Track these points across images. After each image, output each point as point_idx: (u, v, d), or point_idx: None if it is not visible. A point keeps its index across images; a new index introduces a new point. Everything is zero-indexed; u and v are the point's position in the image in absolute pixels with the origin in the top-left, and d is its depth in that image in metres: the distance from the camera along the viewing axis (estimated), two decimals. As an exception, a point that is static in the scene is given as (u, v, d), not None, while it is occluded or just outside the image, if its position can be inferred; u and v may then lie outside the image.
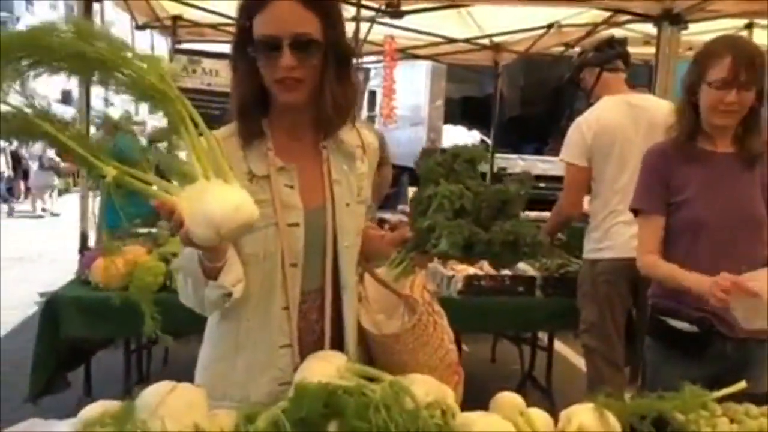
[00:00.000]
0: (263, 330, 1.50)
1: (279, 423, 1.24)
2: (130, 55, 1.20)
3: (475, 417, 1.32)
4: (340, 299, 1.55)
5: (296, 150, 1.52)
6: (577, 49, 5.54)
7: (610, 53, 3.19)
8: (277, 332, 1.50)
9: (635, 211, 2.30)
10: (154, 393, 1.31)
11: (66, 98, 22.77)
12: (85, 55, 1.16)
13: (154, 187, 1.22)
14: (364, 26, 5.19)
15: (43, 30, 1.17)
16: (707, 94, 2.07)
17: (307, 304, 1.52)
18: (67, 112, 14.64)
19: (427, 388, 1.36)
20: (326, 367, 1.40)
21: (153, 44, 6.55)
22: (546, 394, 3.97)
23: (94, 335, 2.88)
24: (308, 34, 1.39)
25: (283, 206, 1.46)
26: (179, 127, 1.23)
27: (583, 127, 3.10)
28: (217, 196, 1.19)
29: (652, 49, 4.81)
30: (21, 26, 30.60)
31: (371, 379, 1.38)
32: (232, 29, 5.21)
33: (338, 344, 1.55)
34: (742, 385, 1.57)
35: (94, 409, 1.38)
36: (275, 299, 1.49)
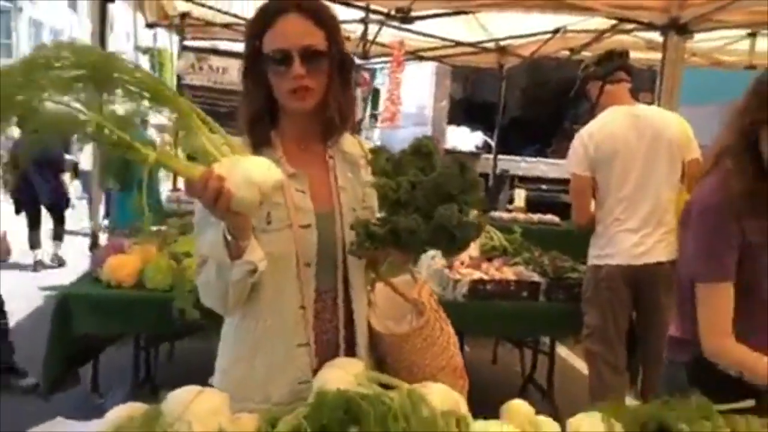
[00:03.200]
0: (281, 329, 1.55)
1: (300, 429, 1.29)
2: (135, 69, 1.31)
3: (489, 426, 1.37)
4: (351, 300, 1.62)
5: (305, 159, 1.60)
6: (585, 54, 5.61)
7: (611, 66, 3.24)
8: (293, 331, 1.55)
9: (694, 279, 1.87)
10: (179, 397, 1.36)
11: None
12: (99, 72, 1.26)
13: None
14: (372, 29, 5.24)
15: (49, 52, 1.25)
16: None
17: (321, 303, 1.58)
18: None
19: (442, 397, 1.41)
20: (344, 375, 1.45)
21: (156, 40, 6.61)
22: (547, 397, 4.02)
23: (105, 332, 2.93)
24: (315, 45, 1.49)
25: (296, 209, 1.54)
26: (188, 121, 1.32)
27: (585, 138, 3.17)
28: (248, 161, 1.31)
29: (655, 54, 4.88)
30: (24, 16, 30.49)
31: (387, 387, 1.44)
32: (240, 27, 5.28)
33: (351, 343, 1.62)
34: (751, 402, 1.61)
35: (120, 412, 1.43)
36: (291, 298, 1.55)
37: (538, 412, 1.48)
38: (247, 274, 1.43)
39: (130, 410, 1.42)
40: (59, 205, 7.85)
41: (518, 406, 1.51)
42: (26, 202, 7.50)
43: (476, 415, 1.40)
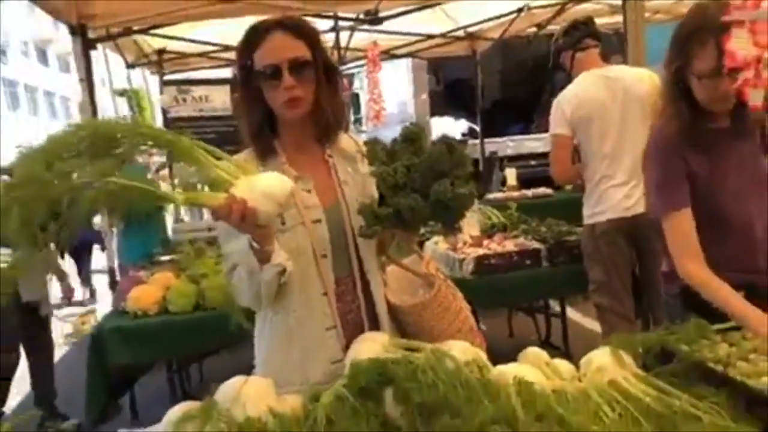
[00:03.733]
0: (310, 316, 1.71)
1: (342, 396, 1.44)
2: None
3: (507, 368, 1.52)
4: (368, 282, 1.78)
5: (306, 162, 1.76)
6: (551, 27, 5.78)
7: (577, 35, 3.41)
8: (321, 316, 1.71)
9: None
10: (230, 387, 1.51)
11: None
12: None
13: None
14: (344, 35, 5.40)
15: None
16: (698, 86, 1.91)
17: (341, 288, 1.74)
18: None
19: (462, 351, 1.57)
20: (373, 346, 1.60)
21: (130, 81, 6.76)
22: (565, 356, 4.16)
23: (140, 360, 3.09)
24: (302, 57, 1.66)
25: (305, 207, 1.69)
26: (196, 158, 1.46)
27: (562, 103, 3.33)
28: (262, 179, 1.46)
29: (619, 18, 5.03)
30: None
31: (414, 351, 1.59)
32: (216, 54, 5.40)
33: (373, 320, 1.78)
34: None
35: (177, 411, 1.58)
36: (314, 287, 1.71)
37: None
38: (276, 275, 1.59)
39: (187, 407, 1.57)
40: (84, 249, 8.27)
41: (535, 351, 1.67)
42: None
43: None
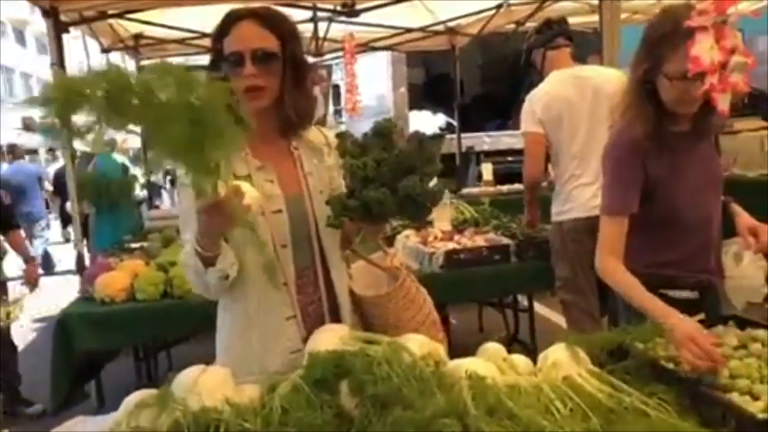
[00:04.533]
0: (268, 306, 1.72)
1: (298, 386, 1.45)
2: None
3: (462, 362, 1.54)
4: (330, 273, 1.79)
5: (271, 152, 1.76)
6: (529, 25, 5.81)
7: (549, 33, 3.44)
8: (281, 306, 1.72)
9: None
10: (187, 376, 1.52)
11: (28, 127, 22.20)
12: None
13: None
14: (322, 26, 5.39)
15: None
16: (668, 87, 1.91)
17: (303, 279, 1.76)
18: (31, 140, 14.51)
19: (420, 345, 1.58)
20: (331, 338, 1.61)
21: (109, 62, 6.67)
22: (531, 351, 4.21)
23: (105, 346, 3.07)
24: (267, 48, 1.66)
25: (266, 197, 1.69)
26: None
27: (533, 101, 3.37)
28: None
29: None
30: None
31: (372, 343, 1.61)
32: (193, 42, 5.36)
33: (335, 312, 1.79)
34: (700, 316, 1.81)
35: (133, 399, 1.58)
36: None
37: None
38: (220, 280, 1.59)
39: (142, 396, 1.57)
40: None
41: (494, 346, 1.69)
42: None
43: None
